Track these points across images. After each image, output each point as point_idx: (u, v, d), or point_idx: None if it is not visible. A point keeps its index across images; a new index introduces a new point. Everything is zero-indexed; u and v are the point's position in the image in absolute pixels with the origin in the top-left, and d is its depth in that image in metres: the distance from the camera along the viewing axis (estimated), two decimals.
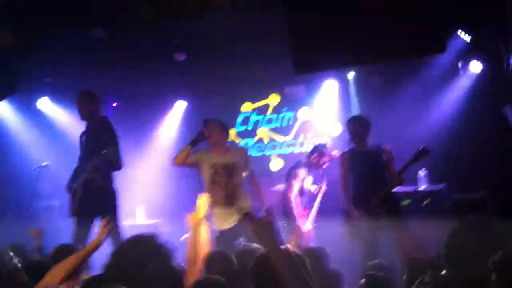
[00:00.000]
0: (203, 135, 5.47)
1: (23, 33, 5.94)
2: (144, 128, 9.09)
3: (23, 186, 7.45)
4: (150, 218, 8.10)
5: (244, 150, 5.99)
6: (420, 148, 5.12)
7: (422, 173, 6.77)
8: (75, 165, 5.61)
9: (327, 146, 6.80)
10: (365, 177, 5.40)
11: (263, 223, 2.54)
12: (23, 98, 8.01)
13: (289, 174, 6.47)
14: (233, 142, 8.60)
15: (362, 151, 5.47)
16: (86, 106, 5.61)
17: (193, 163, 5.51)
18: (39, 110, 8.59)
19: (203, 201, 3.84)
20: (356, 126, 5.52)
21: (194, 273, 3.12)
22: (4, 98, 7.47)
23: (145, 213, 8.12)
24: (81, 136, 5.69)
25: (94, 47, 6.54)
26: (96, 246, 3.29)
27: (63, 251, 3.45)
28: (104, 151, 5.30)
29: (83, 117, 5.65)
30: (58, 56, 6.76)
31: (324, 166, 6.46)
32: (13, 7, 5.56)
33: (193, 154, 5.47)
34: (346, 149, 5.73)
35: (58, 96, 8.40)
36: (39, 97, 8.49)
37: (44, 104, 8.58)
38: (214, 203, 5.16)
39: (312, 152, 6.47)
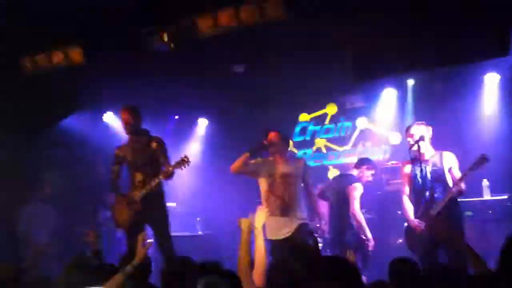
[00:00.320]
0: (262, 144, 5.52)
1: (88, 49, 6.19)
2: (205, 138, 9.28)
3: (90, 197, 7.75)
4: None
5: (303, 160, 5.97)
6: (479, 157, 4.98)
7: (485, 183, 6.54)
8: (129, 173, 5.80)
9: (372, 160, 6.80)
10: (426, 187, 5.25)
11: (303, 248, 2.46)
12: (91, 113, 8.31)
13: (340, 188, 6.38)
14: (292, 153, 8.61)
15: (422, 160, 5.33)
16: (134, 120, 5.75)
17: (251, 171, 5.56)
18: (105, 123, 8.90)
19: (262, 212, 3.90)
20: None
21: (248, 282, 3.12)
22: (71, 113, 7.79)
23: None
24: (120, 148, 5.87)
25: (156, 60, 6.70)
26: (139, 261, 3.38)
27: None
28: (175, 167, 5.47)
29: (130, 130, 5.78)
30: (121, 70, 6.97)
31: (371, 179, 6.43)
32: (79, 22, 5.80)
33: (252, 163, 5.52)
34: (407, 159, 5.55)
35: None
36: (104, 111, 8.78)
37: (110, 118, 8.87)
38: (269, 213, 5.17)
39: (360, 164, 6.44)
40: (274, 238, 5.35)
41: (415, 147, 5.26)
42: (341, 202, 6.28)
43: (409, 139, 5.37)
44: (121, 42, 6.03)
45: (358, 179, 6.34)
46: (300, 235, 5.27)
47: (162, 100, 8.24)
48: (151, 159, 5.67)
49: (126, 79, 7.13)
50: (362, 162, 6.54)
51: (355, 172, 6.45)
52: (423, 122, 5.47)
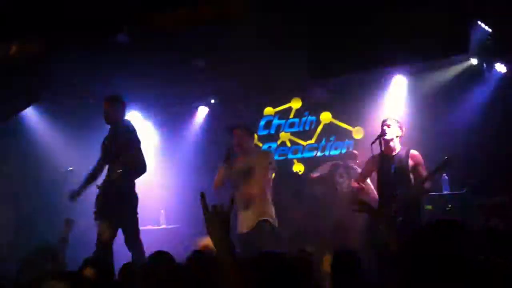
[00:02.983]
0: (230, 150, 5.58)
1: (48, 40, 6.05)
2: (167, 133, 9.21)
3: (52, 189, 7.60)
4: (170, 223, 8.24)
5: (264, 153, 5.99)
6: (444, 159, 5.04)
7: (444, 177, 6.68)
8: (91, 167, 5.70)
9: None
10: (390, 182, 5.32)
11: (218, 214, 2.19)
12: (48, 105, 8.14)
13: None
14: (256, 147, 8.62)
15: (389, 155, 5.40)
16: (113, 110, 5.68)
17: (230, 177, 5.62)
18: (64, 116, 8.72)
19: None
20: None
21: None
22: (29, 105, 7.61)
23: (165, 218, 8.28)
24: (104, 141, 5.78)
25: (117, 52, 6.62)
26: None
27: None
28: (125, 154, 5.38)
29: (108, 120, 5.72)
30: (83, 62, 6.86)
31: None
32: (41, 14, 5.66)
33: (227, 169, 5.58)
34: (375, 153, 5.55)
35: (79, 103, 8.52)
36: (64, 103, 8.60)
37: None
38: (237, 208, 5.42)
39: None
40: (238, 231, 5.47)
41: (377, 143, 5.32)
42: None
43: (385, 127, 5.38)
44: (82, 33, 5.92)
45: None
46: (258, 235, 5.34)
47: (123, 93, 8.13)
48: (119, 151, 5.56)
49: (87, 70, 7.04)
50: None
51: None
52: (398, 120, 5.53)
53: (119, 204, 5.47)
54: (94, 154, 5.97)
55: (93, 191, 5.66)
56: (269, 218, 5.42)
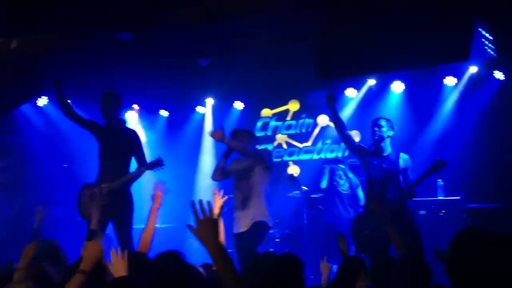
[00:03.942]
0: (231, 147, 5.56)
1: (51, 37, 6.02)
2: (164, 131, 9.20)
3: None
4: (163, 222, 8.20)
5: (262, 151, 5.99)
6: (437, 161, 5.05)
7: (439, 183, 6.70)
8: (100, 162, 5.64)
9: None
10: (380, 183, 5.32)
11: (207, 221, 2.24)
12: (49, 99, 8.11)
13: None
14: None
15: (380, 155, 5.41)
16: (111, 106, 5.65)
17: (230, 174, 5.72)
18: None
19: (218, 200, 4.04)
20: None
21: None
22: (31, 99, 7.57)
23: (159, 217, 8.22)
24: (102, 132, 5.69)
25: (119, 49, 6.60)
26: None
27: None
28: (151, 168, 5.41)
29: (105, 115, 5.69)
30: (84, 59, 6.83)
31: None
32: (43, 9, 5.62)
33: (229, 165, 5.68)
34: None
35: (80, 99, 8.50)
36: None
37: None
38: (235, 208, 5.58)
39: None
40: (234, 231, 5.53)
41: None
42: None
43: (376, 128, 5.38)
44: (84, 30, 5.89)
45: None
46: (253, 235, 5.38)
47: (124, 89, 8.11)
48: (124, 150, 5.57)
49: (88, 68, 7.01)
50: None
51: None
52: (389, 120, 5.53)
53: (123, 203, 5.47)
54: (91, 151, 5.97)
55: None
56: (265, 219, 5.43)
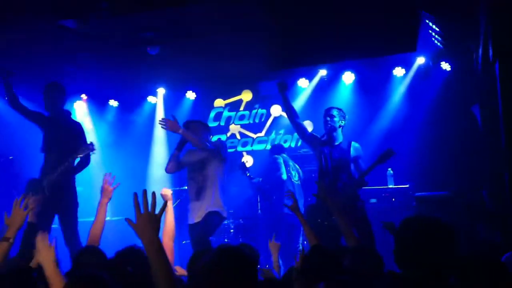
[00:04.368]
0: (185, 139, 5.48)
1: None
2: (114, 121, 9.03)
3: None
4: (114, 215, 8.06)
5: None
6: (386, 150, 5.12)
7: (389, 172, 6.85)
8: (44, 155, 5.50)
9: None
10: (331, 172, 5.37)
11: (148, 216, 2.19)
12: None
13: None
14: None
15: (332, 144, 5.46)
16: (54, 98, 5.52)
17: (184, 166, 5.64)
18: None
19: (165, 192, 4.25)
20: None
21: None
22: None
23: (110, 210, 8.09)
24: (46, 123, 5.55)
25: (64, 37, 6.40)
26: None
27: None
28: (80, 154, 5.26)
29: (48, 107, 5.55)
30: (26, 47, 6.60)
31: None
32: None
33: (183, 157, 5.61)
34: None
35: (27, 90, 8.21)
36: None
37: None
38: (189, 199, 5.55)
39: None
40: (189, 222, 5.51)
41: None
42: None
43: (328, 118, 5.40)
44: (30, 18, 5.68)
45: None
46: (206, 225, 5.34)
47: (72, 79, 7.89)
48: (67, 143, 5.42)
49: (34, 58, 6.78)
50: None
51: None
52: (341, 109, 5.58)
53: (66, 196, 5.35)
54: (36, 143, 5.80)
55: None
56: (219, 209, 5.42)
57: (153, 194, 2.22)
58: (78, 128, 5.64)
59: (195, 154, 5.55)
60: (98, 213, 3.97)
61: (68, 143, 5.40)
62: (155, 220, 2.17)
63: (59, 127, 5.49)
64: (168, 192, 4.48)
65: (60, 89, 5.58)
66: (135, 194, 2.22)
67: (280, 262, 4.51)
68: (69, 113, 5.74)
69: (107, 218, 8.11)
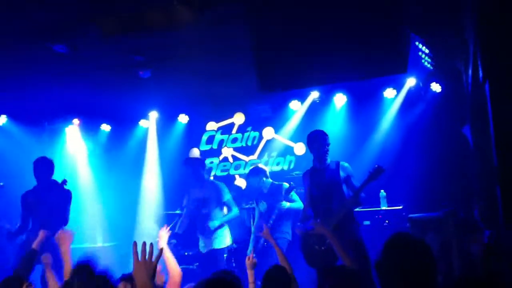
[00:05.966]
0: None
1: None
2: (107, 145, 8.99)
3: None
4: (107, 241, 8.02)
5: (219, 185, 6.64)
6: (375, 168, 5.14)
7: (382, 194, 6.84)
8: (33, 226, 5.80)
9: None
10: (323, 196, 5.37)
11: (145, 263, 2.52)
12: None
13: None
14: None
15: (321, 168, 5.45)
16: (40, 171, 5.93)
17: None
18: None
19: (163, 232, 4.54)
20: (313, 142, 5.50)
21: None
22: None
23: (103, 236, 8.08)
24: (32, 198, 5.91)
25: (57, 63, 6.39)
26: None
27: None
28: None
29: (41, 181, 5.95)
30: (20, 72, 6.59)
31: None
32: None
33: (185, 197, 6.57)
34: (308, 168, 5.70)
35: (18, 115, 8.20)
36: None
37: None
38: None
39: None
40: (199, 250, 6.52)
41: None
42: None
43: (314, 144, 5.44)
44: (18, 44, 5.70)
45: None
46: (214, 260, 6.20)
47: (65, 103, 7.88)
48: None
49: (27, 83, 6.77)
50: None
51: None
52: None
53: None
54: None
55: None
56: (224, 247, 6.33)
57: (151, 244, 2.55)
58: (62, 197, 5.93)
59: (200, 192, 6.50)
60: (65, 261, 4.09)
61: (50, 215, 5.70)
62: (150, 267, 2.51)
63: (42, 201, 5.82)
64: (164, 234, 4.52)
65: (45, 163, 5.98)
66: (135, 243, 2.55)
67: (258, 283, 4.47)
68: (56, 184, 6.00)
69: (99, 245, 8.10)
